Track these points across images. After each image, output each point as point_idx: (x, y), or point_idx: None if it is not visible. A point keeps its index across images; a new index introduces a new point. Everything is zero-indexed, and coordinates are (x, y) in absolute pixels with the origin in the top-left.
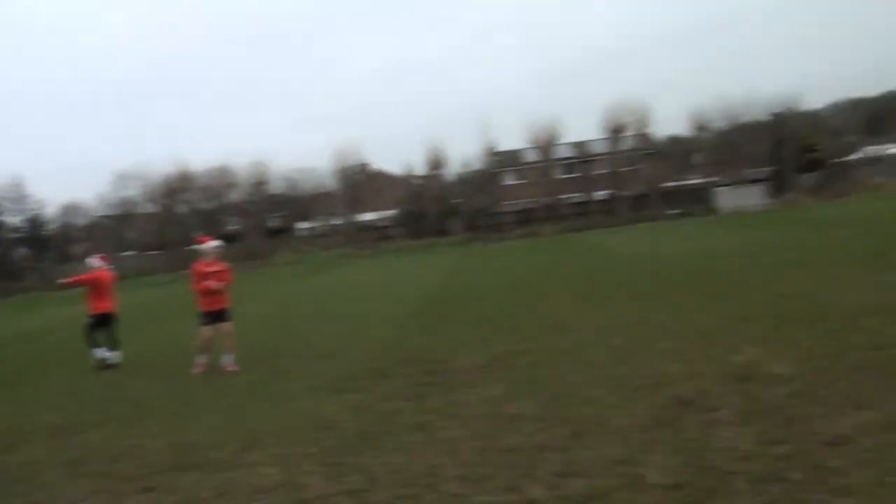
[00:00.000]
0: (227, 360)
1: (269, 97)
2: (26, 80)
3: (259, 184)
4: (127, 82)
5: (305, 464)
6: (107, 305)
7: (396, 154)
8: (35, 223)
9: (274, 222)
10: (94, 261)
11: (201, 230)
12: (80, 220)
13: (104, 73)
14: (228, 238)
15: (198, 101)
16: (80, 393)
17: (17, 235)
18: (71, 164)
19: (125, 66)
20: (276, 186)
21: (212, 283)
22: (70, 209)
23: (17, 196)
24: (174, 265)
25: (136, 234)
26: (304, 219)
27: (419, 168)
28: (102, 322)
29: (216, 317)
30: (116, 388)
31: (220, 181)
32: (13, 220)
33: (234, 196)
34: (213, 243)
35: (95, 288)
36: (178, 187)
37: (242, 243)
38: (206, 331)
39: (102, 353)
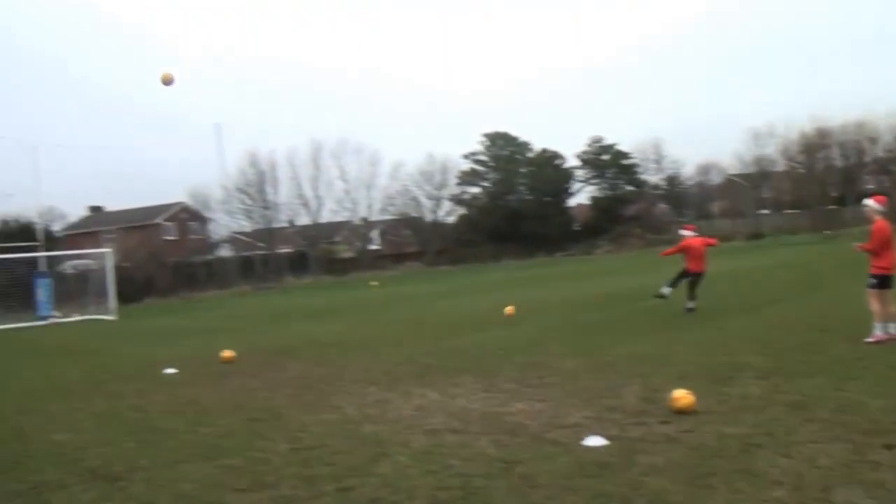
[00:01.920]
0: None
1: None
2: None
3: None
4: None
5: None
6: (699, 266)
7: None
8: (673, 181)
9: None
10: (685, 231)
11: (839, 189)
12: (715, 179)
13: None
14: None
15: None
16: (767, 338)
17: (658, 192)
18: (706, 125)
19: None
20: None
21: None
22: (706, 168)
23: (657, 156)
24: (814, 225)
25: (772, 193)
26: None
27: None
28: (695, 278)
29: (884, 281)
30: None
31: (859, 136)
32: (653, 178)
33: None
34: (867, 201)
35: (689, 253)
36: (816, 144)
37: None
38: (874, 294)
39: (666, 289)
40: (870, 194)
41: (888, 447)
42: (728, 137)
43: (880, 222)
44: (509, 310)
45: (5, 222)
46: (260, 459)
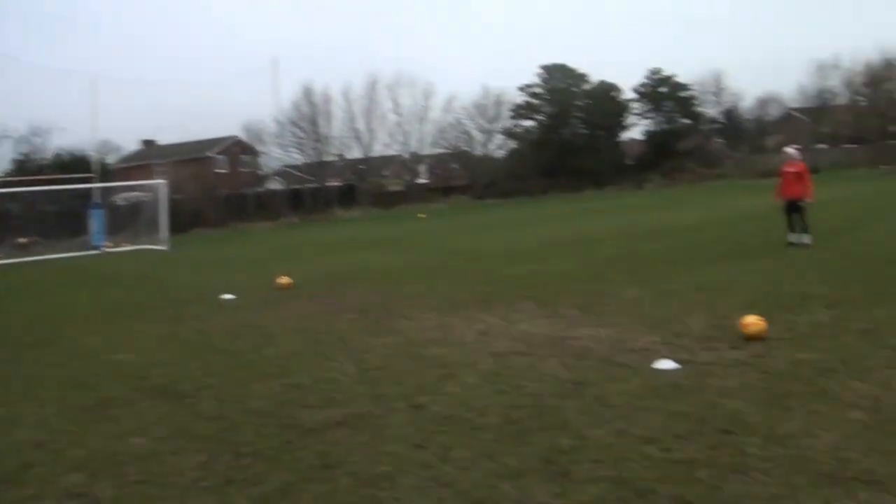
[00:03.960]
0: None
1: None
2: None
3: None
4: None
5: None
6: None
7: None
8: (731, 115)
9: None
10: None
11: None
12: (775, 112)
13: None
14: None
15: None
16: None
17: (715, 126)
18: (769, 56)
19: None
20: None
21: None
22: (765, 101)
23: (716, 89)
24: (873, 159)
25: (831, 127)
26: None
27: None
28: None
29: None
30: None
31: None
32: (712, 111)
33: None
34: None
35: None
36: (882, 76)
37: None
38: None
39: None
40: None
41: None
42: (792, 69)
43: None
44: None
45: (59, 155)
46: (328, 379)
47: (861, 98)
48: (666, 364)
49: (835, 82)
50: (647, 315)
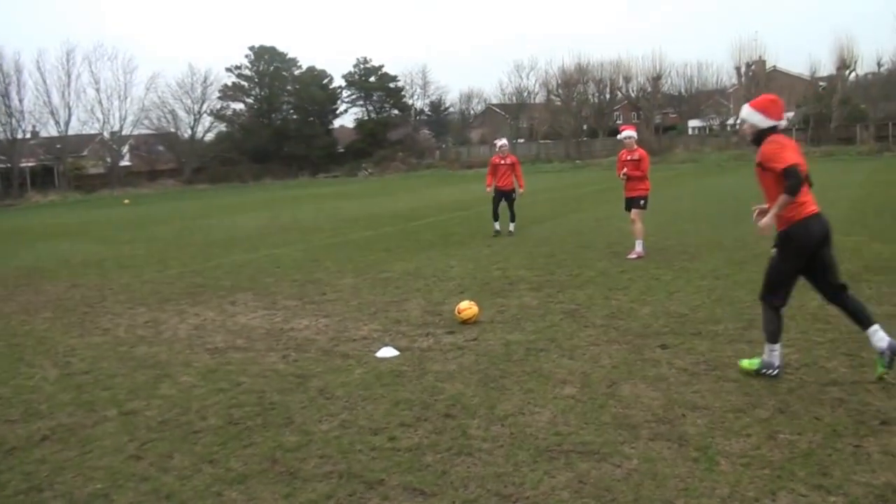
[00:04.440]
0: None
1: None
2: None
3: (654, 79)
4: None
5: None
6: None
7: (799, 52)
8: (437, 107)
9: (664, 119)
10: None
11: (592, 123)
12: (478, 108)
13: None
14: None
15: None
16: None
17: (423, 118)
18: (469, 55)
19: None
20: (670, 83)
21: (627, 171)
22: (468, 96)
23: (423, 81)
24: (567, 154)
25: (529, 123)
26: (697, 117)
27: (824, 68)
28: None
29: (630, 203)
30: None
31: (615, 75)
32: (419, 103)
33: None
34: (630, 132)
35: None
36: (574, 79)
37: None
38: (640, 215)
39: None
40: (622, 127)
41: (663, 347)
42: (493, 68)
43: (643, 150)
44: None
45: None
46: (29, 388)
47: (556, 98)
48: (387, 352)
49: (532, 82)
50: (365, 303)
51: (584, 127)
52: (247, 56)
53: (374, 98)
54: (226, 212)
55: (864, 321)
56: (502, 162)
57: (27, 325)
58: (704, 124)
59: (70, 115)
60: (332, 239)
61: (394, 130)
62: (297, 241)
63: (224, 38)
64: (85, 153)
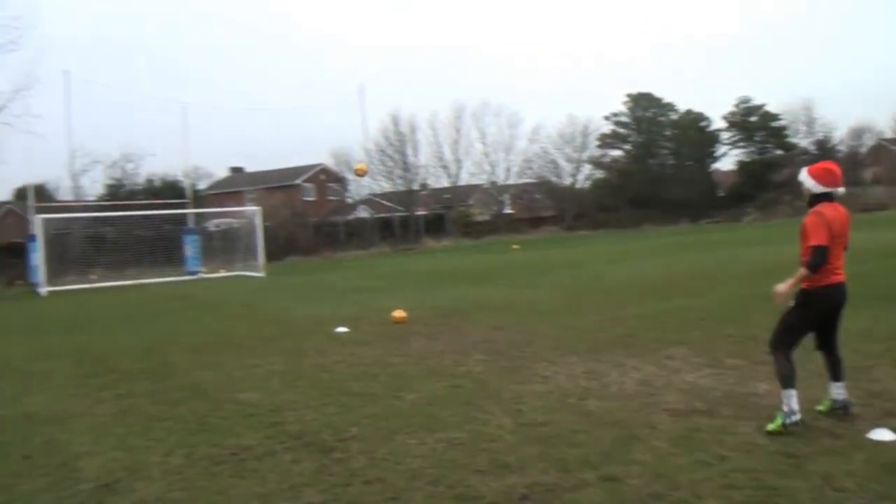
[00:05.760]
0: None
1: None
2: None
3: None
4: None
5: None
6: None
7: None
8: (823, 145)
9: None
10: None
11: None
12: (869, 143)
13: None
14: None
15: None
16: None
17: (807, 157)
18: (862, 86)
19: None
20: None
21: None
22: (858, 131)
23: (808, 118)
24: None
25: None
26: None
27: None
28: None
29: None
30: None
31: None
32: (803, 142)
33: None
34: None
35: None
36: None
37: None
38: None
39: None
40: None
41: None
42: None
43: None
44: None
45: (151, 180)
46: (487, 435)
47: None
48: (883, 434)
49: None
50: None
51: None
52: (624, 103)
53: (756, 138)
54: (615, 258)
55: (837, 375)
56: None
57: (462, 367)
58: None
59: (459, 168)
60: (748, 290)
61: (778, 172)
62: (706, 291)
63: (603, 90)
64: (470, 202)
